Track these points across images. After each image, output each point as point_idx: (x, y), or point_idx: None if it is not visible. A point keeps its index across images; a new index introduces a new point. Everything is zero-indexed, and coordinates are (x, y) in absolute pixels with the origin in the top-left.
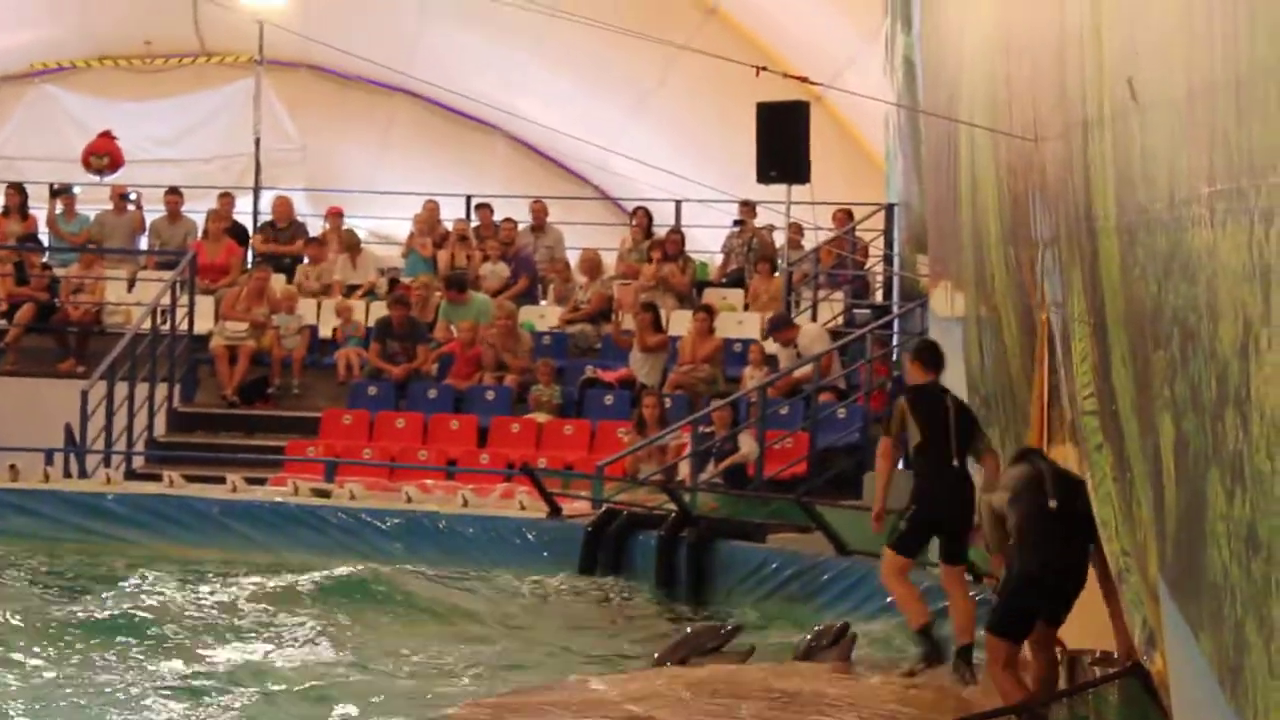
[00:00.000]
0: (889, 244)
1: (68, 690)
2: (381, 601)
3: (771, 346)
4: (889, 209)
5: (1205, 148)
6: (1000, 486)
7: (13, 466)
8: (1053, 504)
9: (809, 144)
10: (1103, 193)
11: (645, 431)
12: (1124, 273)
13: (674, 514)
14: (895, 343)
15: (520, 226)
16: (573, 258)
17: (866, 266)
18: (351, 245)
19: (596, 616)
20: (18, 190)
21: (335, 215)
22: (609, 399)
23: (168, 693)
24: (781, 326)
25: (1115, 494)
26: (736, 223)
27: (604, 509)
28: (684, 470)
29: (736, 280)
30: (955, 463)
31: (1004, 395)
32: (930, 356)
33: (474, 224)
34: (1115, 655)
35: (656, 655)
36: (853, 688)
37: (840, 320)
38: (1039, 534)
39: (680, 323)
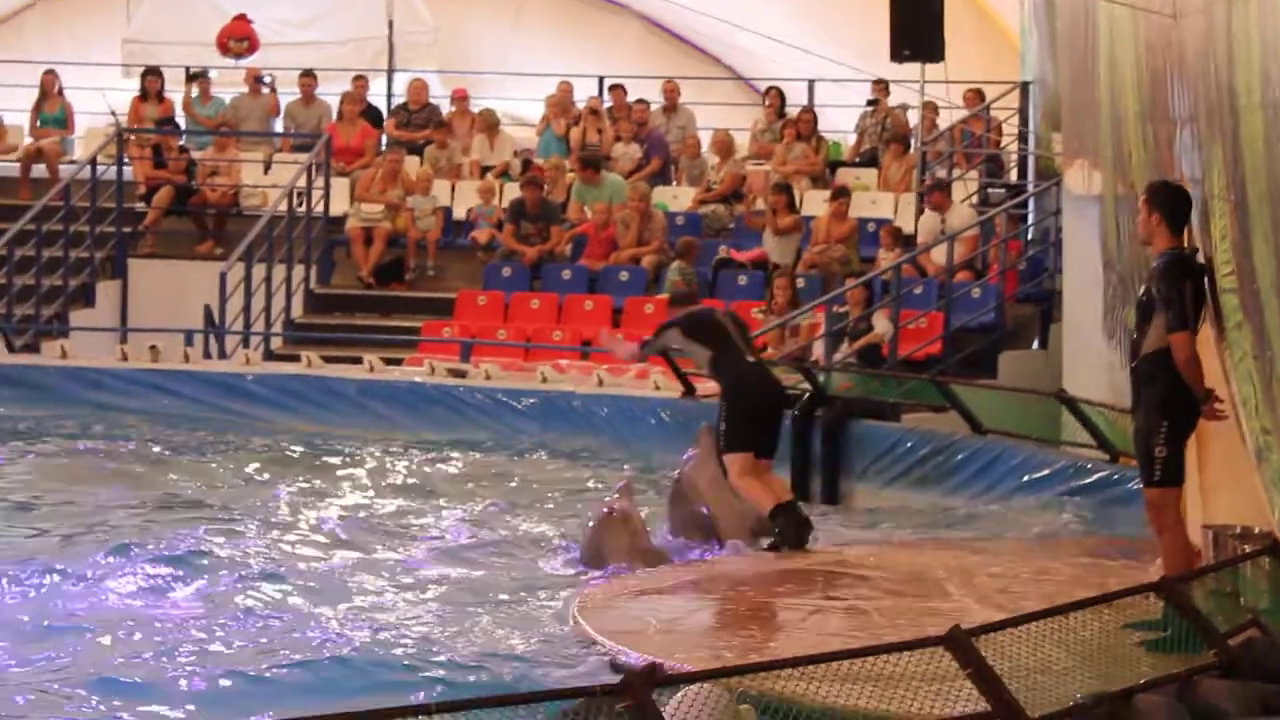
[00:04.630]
0: (1024, 122)
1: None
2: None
3: (906, 224)
4: (1024, 87)
5: None
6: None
7: (153, 347)
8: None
9: (943, 21)
10: (1246, 68)
11: (779, 312)
12: (1268, 148)
13: (808, 394)
14: (1030, 221)
15: (652, 107)
16: (705, 138)
17: (1001, 145)
18: (490, 125)
19: None
20: (155, 74)
21: (461, 98)
22: (742, 279)
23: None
24: (939, 188)
25: (1255, 371)
26: (870, 102)
27: None
28: (818, 350)
29: (870, 160)
30: None
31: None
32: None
33: (607, 104)
34: (1256, 531)
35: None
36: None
37: (974, 199)
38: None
39: (813, 203)
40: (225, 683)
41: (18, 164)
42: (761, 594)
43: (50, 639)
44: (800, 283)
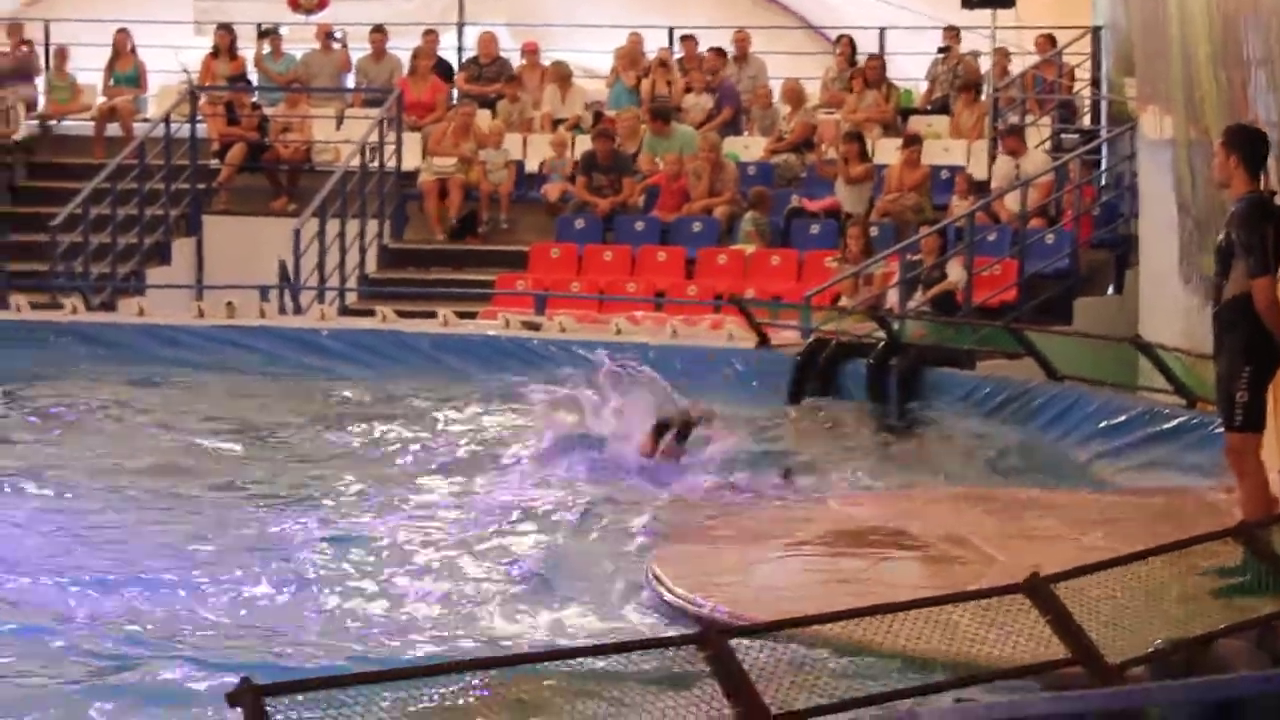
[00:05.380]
0: (1096, 67)
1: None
2: None
3: (978, 171)
4: (1095, 31)
5: None
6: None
7: (230, 304)
8: None
9: None
10: None
11: (853, 261)
12: None
13: (883, 342)
14: (1104, 167)
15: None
16: (776, 88)
17: (1074, 90)
18: (561, 78)
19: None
20: (226, 31)
21: (531, 51)
22: (815, 228)
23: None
24: (1014, 133)
25: None
26: (941, 49)
27: (813, 338)
28: (892, 298)
29: (941, 107)
30: None
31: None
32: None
33: (677, 55)
34: None
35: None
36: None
37: (1047, 145)
38: None
39: (885, 151)
40: (290, 648)
41: (92, 123)
42: (837, 541)
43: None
44: (873, 231)
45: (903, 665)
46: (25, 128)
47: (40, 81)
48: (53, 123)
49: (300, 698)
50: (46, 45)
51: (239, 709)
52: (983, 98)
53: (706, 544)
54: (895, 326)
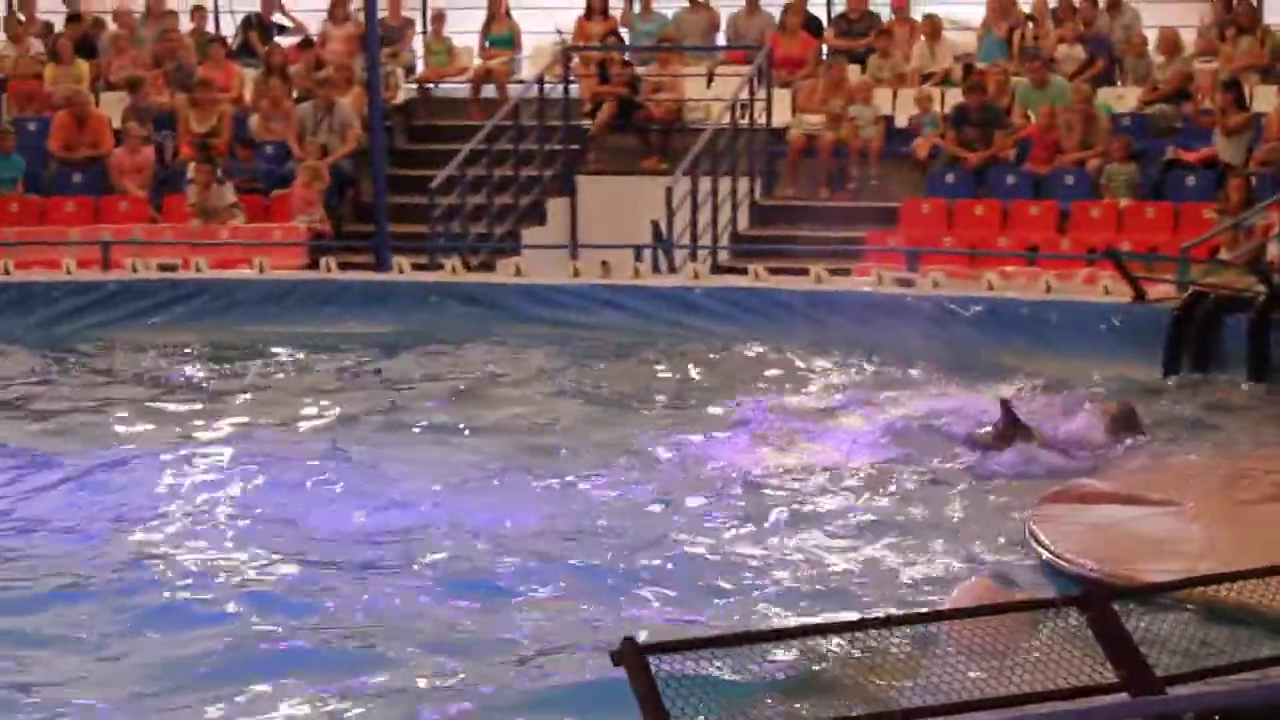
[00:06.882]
0: None
1: None
2: None
3: None
4: None
5: None
6: None
7: (604, 263)
8: None
9: None
10: None
11: (1233, 212)
12: None
13: (1264, 296)
14: None
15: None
16: (1150, 37)
17: None
18: (933, 31)
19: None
20: None
21: (900, 6)
22: (1191, 180)
23: None
24: None
25: None
26: None
27: (1191, 292)
28: (1273, 251)
29: None
30: None
31: None
32: None
33: (1050, 5)
34: None
35: None
36: None
37: None
38: None
39: (1264, 98)
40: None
41: (468, 85)
42: (1216, 499)
43: None
44: (1253, 181)
45: None
46: (404, 92)
47: (417, 45)
48: (430, 86)
49: (685, 656)
50: (424, 9)
51: (624, 668)
52: None
53: (1085, 503)
54: (1276, 280)
